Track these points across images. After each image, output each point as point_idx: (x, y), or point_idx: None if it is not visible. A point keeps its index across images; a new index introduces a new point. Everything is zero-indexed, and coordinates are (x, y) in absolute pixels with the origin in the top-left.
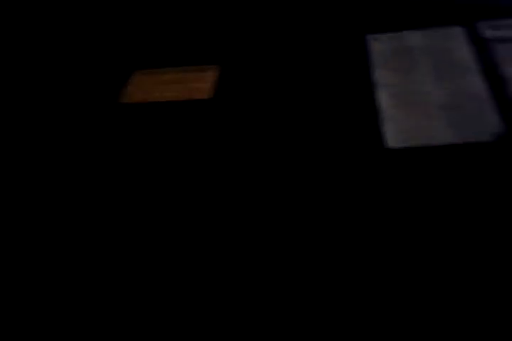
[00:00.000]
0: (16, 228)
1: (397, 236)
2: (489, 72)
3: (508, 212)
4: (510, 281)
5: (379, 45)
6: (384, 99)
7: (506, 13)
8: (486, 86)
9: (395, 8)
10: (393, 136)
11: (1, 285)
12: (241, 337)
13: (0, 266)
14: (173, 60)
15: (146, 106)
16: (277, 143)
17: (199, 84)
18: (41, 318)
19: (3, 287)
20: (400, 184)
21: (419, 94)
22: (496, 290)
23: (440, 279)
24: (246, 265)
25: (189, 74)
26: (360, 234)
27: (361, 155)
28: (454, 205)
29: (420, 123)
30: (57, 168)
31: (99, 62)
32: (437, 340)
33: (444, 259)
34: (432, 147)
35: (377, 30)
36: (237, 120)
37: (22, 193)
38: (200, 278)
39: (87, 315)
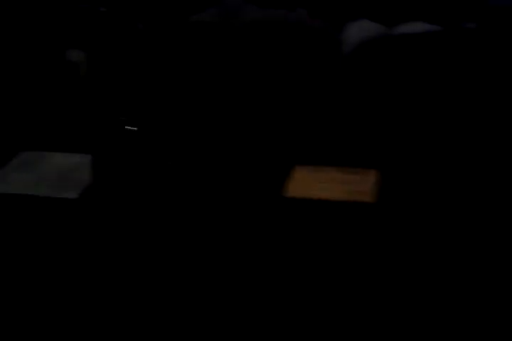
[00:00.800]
0: None
1: None
2: None
3: None
4: None
5: None
6: None
7: None
8: None
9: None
10: None
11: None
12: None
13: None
14: (332, 158)
15: (306, 202)
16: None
17: (360, 186)
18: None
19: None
20: None
21: None
22: None
23: None
24: None
25: (349, 176)
26: None
27: None
28: None
29: None
30: None
31: (261, 156)
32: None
33: None
34: None
35: None
36: (402, 226)
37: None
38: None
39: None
